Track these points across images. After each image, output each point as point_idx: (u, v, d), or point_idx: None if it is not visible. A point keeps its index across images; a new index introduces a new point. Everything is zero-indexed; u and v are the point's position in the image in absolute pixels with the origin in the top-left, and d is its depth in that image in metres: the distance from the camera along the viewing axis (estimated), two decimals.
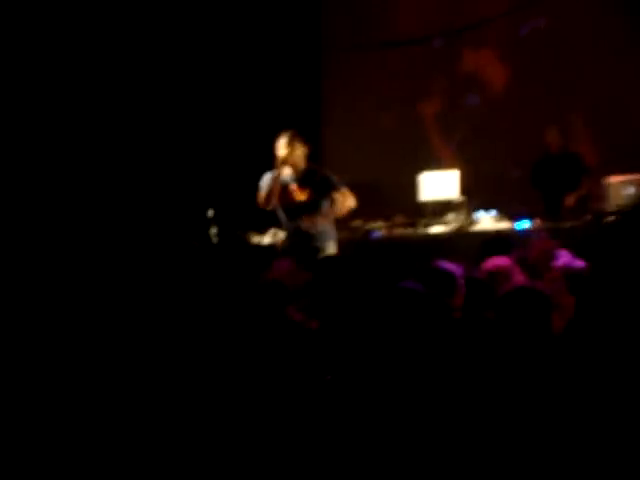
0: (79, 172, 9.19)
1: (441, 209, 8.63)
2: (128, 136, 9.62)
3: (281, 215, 7.33)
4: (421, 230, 8.45)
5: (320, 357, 3.79)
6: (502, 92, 10.25)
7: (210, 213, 8.42)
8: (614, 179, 8.02)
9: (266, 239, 8.39)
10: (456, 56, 10.35)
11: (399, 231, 8.56)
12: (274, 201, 7.13)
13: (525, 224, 8.16)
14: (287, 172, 7.17)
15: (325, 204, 7.17)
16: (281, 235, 8.13)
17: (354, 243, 8.15)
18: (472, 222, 8.40)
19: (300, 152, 7.14)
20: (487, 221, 8.42)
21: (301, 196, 7.17)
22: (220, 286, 6.12)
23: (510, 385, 3.13)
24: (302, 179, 7.17)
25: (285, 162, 7.09)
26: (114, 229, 8.83)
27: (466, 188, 8.73)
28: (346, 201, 7.16)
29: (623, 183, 7.95)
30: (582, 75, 9.66)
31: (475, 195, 8.85)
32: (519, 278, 4.77)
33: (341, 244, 7.90)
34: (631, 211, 7.39)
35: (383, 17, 10.39)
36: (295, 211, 7.19)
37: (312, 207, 7.16)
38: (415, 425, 3.02)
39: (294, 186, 7.15)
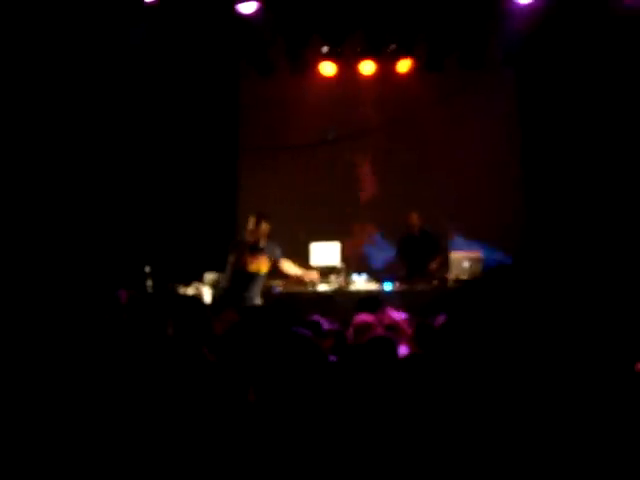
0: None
1: (327, 272, 9.14)
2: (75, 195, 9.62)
3: (242, 279, 7.71)
4: (310, 288, 8.91)
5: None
6: (375, 186, 10.91)
7: (147, 269, 8.84)
8: (455, 254, 8.80)
9: (190, 290, 8.83)
10: (339, 158, 10.95)
11: (294, 288, 8.99)
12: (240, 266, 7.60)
13: (390, 286, 8.78)
14: (252, 242, 7.65)
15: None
16: (202, 288, 8.82)
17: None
18: (349, 283, 9.01)
19: (265, 228, 7.70)
20: (361, 282, 9.05)
21: (262, 267, 7.75)
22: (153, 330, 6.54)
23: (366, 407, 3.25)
24: (265, 251, 7.74)
25: (253, 235, 7.62)
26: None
27: (345, 256, 9.42)
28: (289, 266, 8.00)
29: (462, 258, 8.68)
30: (437, 176, 10.63)
31: (352, 262, 9.68)
32: (379, 330, 5.03)
33: None
34: (468, 280, 8.36)
35: (287, 125, 10.81)
36: (252, 278, 7.68)
37: (260, 274, 7.76)
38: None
39: (260, 256, 7.70)
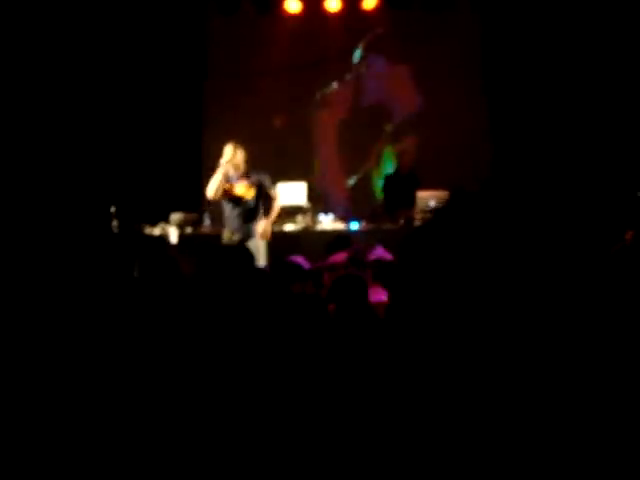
0: None
1: (293, 212, 9.14)
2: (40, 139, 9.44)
3: (226, 206, 7.71)
4: (277, 228, 8.70)
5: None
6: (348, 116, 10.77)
7: (112, 209, 8.75)
8: (422, 193, 8.67)
9: (156, 231, 8.79)
10: (314, 83, 10.75)
11: None
12: (219, 194, 7.56)
13: (356, 225, 8.82)
14: (231, 172, 7.58)
15: (262, 202, 7.75)
16: (168, 229, 8.76)
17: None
18: (316, 223, 9.01)
19: (241, 156, 7.62)
20: (327, 222, 9.04)
21: (246, 192, 7.65)
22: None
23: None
24: (244, 177, 7.66)
25: (230, 162, 7.54)
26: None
27: (312, 195, 9.41)
28: (277, 202, 7.86)
29: (429, 197, 8.54)
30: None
31: (318, 201, 9.62)
32: (351, 269, 5.07)
33: (214, 236, 8.67)
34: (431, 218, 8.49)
35: (258, 50, 10.55)
36: (238, 204, 7.62)
37: (255, 204, 7.70)
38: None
39: (241, 181, 7.62)
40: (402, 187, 9.12)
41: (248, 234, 7.70)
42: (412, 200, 8.69)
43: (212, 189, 7.60)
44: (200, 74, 10.72)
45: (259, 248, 7.60)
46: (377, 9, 10.31)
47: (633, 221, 7.34)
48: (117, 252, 8.39)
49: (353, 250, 5.82)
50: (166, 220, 8.92)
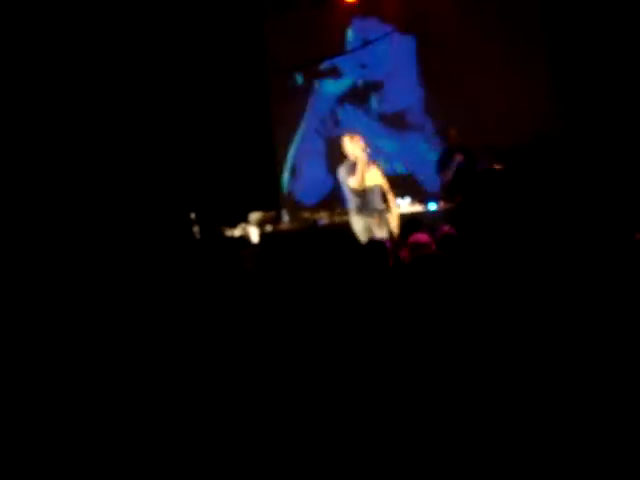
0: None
1: None
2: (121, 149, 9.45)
3: (353, 194, 7.59)
4: None
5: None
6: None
7: (192, 215, 8.89)
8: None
9: (237, 232, 8.84)
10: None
11: (339, 218, 8.96)
12: (364, 184, 7.45)
13: (434, 205, 8.81)
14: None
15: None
16: (249, 228, 8.88)
17: (305, 230, 8.82)
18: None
19: (362, 145, 7.47)
20: (404, 205, 8.89)
21: (378, 179, 7.60)
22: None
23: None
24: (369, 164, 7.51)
25: (359, 151, 7.41)
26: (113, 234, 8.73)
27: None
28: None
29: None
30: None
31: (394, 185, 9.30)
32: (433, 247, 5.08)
33: (295, 232, 8.85)
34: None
35: (317, 42, 10.49)
36: (371, 190, 7.54)
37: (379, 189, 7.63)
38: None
39: (371, 168, 7.50)
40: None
41: (379, 217, 7.64)
42: (470, 174, 8.51)
43: (357, 180, 7.54)
44: (263, 73, 10.69)
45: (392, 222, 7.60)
46: None
47: None
48: (201, 257, 8.61)
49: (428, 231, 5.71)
50: (245, 220, 8.99)
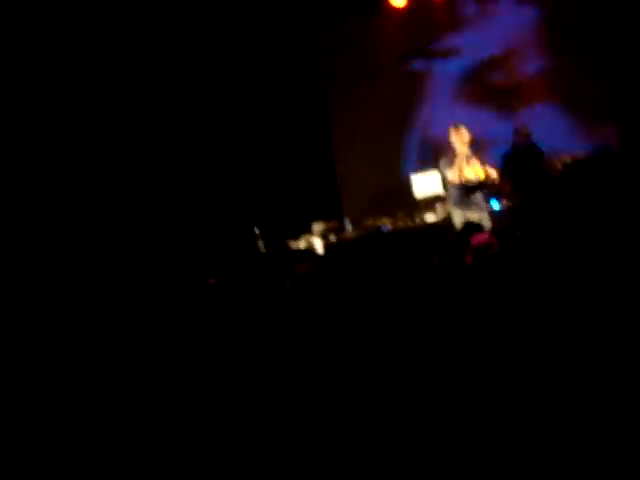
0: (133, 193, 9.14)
1: (432, 202, 9.04)
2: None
3: (456, 190, 7.69)
4: (418, 221, 8.96)
5: None
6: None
7: (256, 230, 9.01)
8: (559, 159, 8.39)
9: (301, 244, 8.93)
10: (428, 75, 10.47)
11: (402, 224, 9.07)
12: (463, 179, 7.58)
13: (496, 204, 8.54)
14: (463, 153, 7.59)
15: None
16: (312, 239, 8.99)
17: (369, 239, 8.42)
18: None
19: (467, 135, 7.64)
20: None
21: (480, 172, 7.63)
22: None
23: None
24: (471, 157, 7.62)
25: (462, 144, 7.58)
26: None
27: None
28: (494, 173, 7.74)
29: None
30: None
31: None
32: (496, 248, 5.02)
33: (358, 240, 8.81)
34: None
35: (371, 51, 10.46)
36: (471, 184, 7.60)
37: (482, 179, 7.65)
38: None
39: (472, 161, 7.59)
40: (524, 161, 8.70)
41: (479, 208, 7.71)
42: (538, 172, 8.37)
43: (455, 174, 7.63)
44: (319, 84, 10.71)
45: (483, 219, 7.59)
46: None
47: None
48: (268, 270, 8.65)
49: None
50: (308, 231, 9.00)
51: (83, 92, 8.90)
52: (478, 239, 5.25)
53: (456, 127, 7.66)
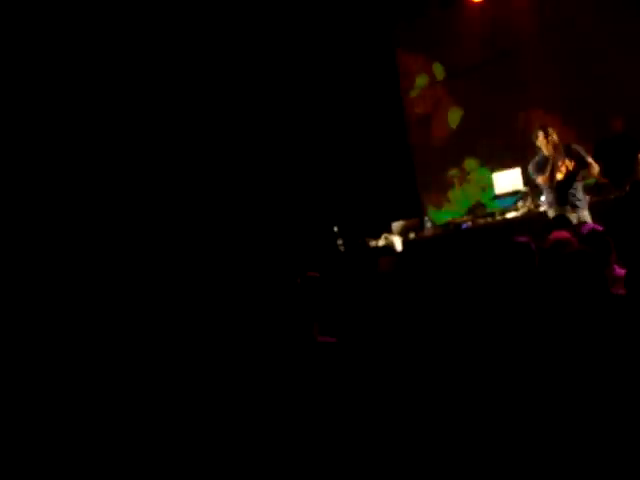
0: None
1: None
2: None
3: (549, 191, 7.59)
4: (499, 217, 8.88)
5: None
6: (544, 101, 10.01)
7: (335, 229, 9.14)
8: None
9: (381, 242, 8.93)
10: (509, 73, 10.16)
11: (482, 221, 9.01)
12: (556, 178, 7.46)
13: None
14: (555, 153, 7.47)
15: (582, 171, 7.54)
16: (392, 238, 9.02)
17: (450, 236, 8.76)
18: (538, 205, 8.60)
19: (555, 136, 7.54)
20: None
21: (569, 167, 7.50)
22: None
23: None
24: (566, 155, 7.51)
25: (552, 147, 7.44)
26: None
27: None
28: (595, 167, 7.56)
29: None
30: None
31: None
32: (575, 245, 4.86)
33: (438, 238, 8.84)
34: None
35: (448, 60, 10.48)
36: (564, 184, 7.48)
37: (574, 175, 7.52)
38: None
39: (563, 161, 7.48)
40: (618, 151, 8.59)
41: (575, 205, 7.57)
42: (632, 163, 8.07)
43: (545, 178, 7.55)
44: (394, 81, 10.73)
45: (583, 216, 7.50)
46: None
47: None
48: (346, 268, 8.73)
49: (573, 228, 5.64)
50: (388, 230, 9.03)
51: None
52: (558, 234, 5.23)
53: (544, 129, 7.54)
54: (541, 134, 7.50)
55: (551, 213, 7.60)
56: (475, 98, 10.34)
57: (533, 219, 8.35)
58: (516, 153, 9.66)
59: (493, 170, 9.66)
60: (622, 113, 9.19)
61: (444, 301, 4.16)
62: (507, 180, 9.22)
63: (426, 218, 9.41)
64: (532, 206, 8.75)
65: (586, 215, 7.46)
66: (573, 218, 7.22)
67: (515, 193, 9.13)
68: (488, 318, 3.70)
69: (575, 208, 7.46)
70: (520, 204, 8.90)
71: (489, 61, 10.24)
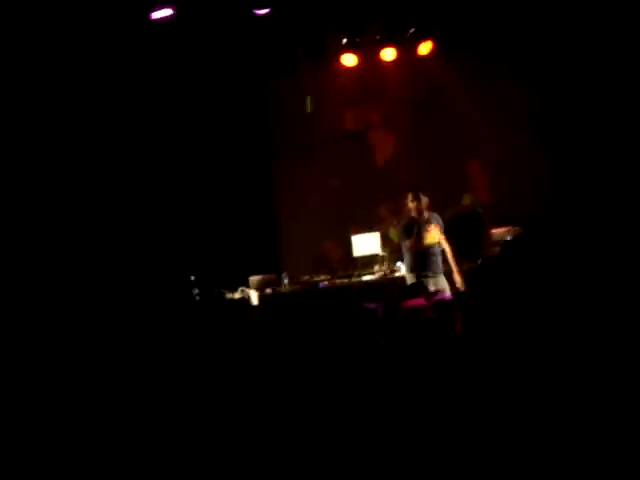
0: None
1: (370, 261, 9.28)
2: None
3: (411, 255, 7.67)
4: (356, 279, 9.05)
5: None
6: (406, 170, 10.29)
7: (192, 277, 8.86)
8: (497, 230, 8.28)
9: (237, 295, 8.87)
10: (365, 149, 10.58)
11: (339, 281, 9.16)
12: (422, 243, 7.55)
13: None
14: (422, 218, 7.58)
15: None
16: (249, 292, 8.88)
17: (306, 293, 8.80)
18: (393, 270, 8.91)
19: (425, 201, 7.63)
20: (404, 269, 8.38)
21: (433, 234, 7.59)
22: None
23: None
24: (432, 221, 7.61)
25: (418, 211, 7.56)
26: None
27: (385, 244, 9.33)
28: (446, 246, 7.56)
29: (504, 233, 8.31)
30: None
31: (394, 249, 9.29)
32: (429, 313, 5.06)
33: (295, 294, 8.83)
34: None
35: (316, 120, 10.59)
36: (426, 249, 7.56)
37: (437, 243, 7.60)
38: None
39: (430, 227, 7.57)
40: (468, 227, 8.84)
41: (435, 272, 7.66)
42: (481, 239, 8.40)
43: (412, 241, 7.61)
44: (265, 137, 10.82)
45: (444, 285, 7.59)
46: (432, 54, 10.18)
47: None
48: (200, 318, 8.63)
49: (427, 295, 5.76)
50: (245, 284, 8.99)
51: None
52: (412, 302, 5.34)
53: (414, 193, 7.65)
54: (410, 197, 7.63)
55: (410, 278, 7.72)
56: (339, 164, 10.60)
57: (388, 283, 8.56)
58: (376, 218, 9.99)
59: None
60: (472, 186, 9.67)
61: (292, 357, 4.30)
62: (366, 243, 9.40)
63: (284, 274, 9.42)
64: (388, 271, 8.96)
65: (444, 282, 7.62)
66: (432, 284, 7.38)
67: (373, 256, 9.31)
68: (327, 375, 3.83)
69: (434, 275, 7.61)
70: (376, 268, 9.10)
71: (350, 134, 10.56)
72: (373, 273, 9.06)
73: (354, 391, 3.45)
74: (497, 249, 7.97)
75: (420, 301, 5.32)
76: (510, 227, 8.56)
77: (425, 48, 10.17)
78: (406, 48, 10.20)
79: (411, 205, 7.61)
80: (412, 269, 7.72)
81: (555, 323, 3.42)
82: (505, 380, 3.16)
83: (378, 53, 10.26)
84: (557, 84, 9.97)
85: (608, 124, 9.52)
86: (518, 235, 8.04)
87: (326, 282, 9.12)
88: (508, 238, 8.22)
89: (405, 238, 7.68)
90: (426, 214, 7.63)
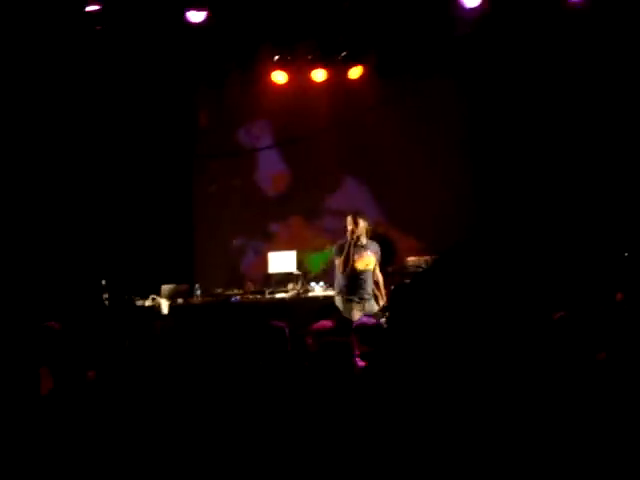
0: None
1: (284, 280, 9.35)
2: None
3: (342, 277, 7.67)
4: (268, 296, 9.06)
5: None
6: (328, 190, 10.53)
7: (103, 282, 8.79)
8: (412, 258, 8.96)
9: (148, 302, 8.79)
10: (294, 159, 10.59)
11: (252, 296, 9.19)
12: (349, 268, 7.58)
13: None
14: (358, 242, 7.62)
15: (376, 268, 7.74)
16: (160, 300, 8.80)
17: (217, 306, 8.83)
18: (307, 290, 9.05)
19: (362, 226, 7.69)
20: (318, 289, 9.04)
21: (369, 263, 7.67)
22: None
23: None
24: (367, 248, 7.70)
25: (353, 234, 7.60)
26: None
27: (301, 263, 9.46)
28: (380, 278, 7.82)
29: (418, 262, 8.81)
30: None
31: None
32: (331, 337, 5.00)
33: (207, 307, 8.80)
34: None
35: (242, 134, 10.71)
36: (358, 274, 7.60)
37: (370, 270, 7.68)
38: None
39: (365, 253, 7.65)
40: None
41: (362, 298, 7.68)
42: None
43: (341, 262, 7.62)
44: (189, 145, 10.75)
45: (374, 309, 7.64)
46: (363, 78, 10.23)
47: (622, 282, 7.35)
48: (108, 323, 8.51)
49: (338, 317, 5.81)
50: (157, 292, 8.91)
51: None
52: (322, 324, 5.38)
53: (353, 216, 7.72)
54: (349, 219, 7.71)
55: (337, 301, 7.78)
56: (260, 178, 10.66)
57: (301, 302, 8.64)
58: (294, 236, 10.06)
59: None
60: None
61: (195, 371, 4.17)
62: (281, 261, 9.43)
63: (197, 285, 9.36)
64: (302, 290, 9.02)
65: (374, 307, 7.70)
66: (357, 309, 7.48)
67: (288, 274, 9.36)
68: (225, 388, 3.83)
69: (361, 300, 7.66)
70: (290, 286, 9.15)
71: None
72: (287, 291, 9.10)
73: (244, 404, 3.55)
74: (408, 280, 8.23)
75: (327, 323, 5.37)
76: (428, 256, 8.86)
77: (356, 72, 10.21)
78: (337, 70, 10.22)
79: (349, 228, 7.67)
80: (339, 291, 7.79)
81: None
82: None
83: (309, 73, 10.25)
84: (483, 109, 10.21)
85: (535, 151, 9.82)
86: (428, 267, 8.35)
87: (238, 297, 9.12)
88: (420, 269, 8.62)
89: (336, 257, 7.74)
90: (364, 240, 7.72)
